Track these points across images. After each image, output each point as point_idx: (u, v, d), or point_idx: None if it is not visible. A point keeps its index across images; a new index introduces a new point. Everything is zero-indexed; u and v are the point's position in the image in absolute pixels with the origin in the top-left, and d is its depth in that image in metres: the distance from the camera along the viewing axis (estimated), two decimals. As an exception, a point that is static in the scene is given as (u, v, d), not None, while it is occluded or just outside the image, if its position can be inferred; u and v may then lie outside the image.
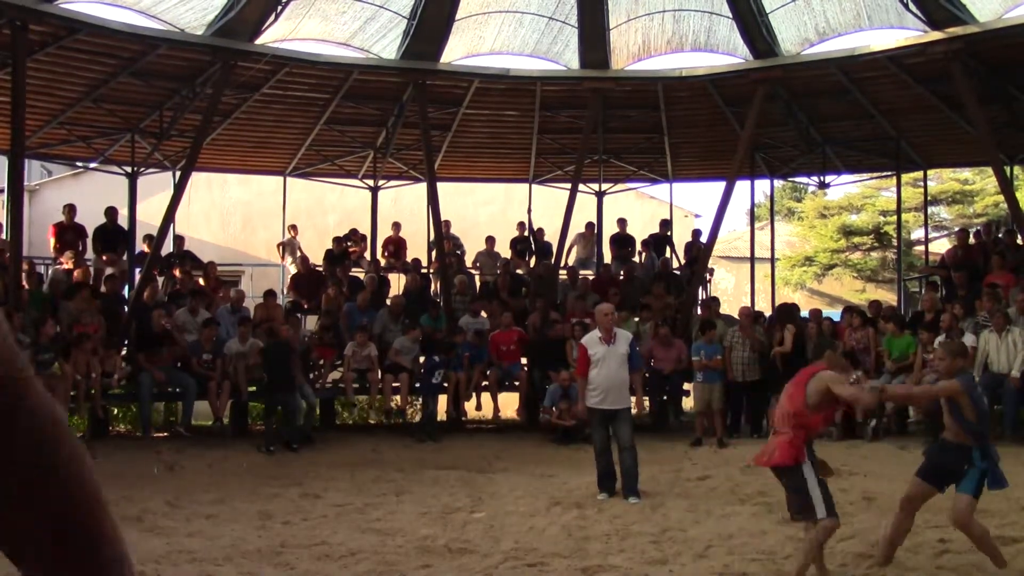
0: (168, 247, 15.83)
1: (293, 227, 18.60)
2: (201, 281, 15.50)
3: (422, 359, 14.41)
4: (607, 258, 18.50)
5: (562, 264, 16.80)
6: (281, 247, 18.56)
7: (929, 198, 23.81)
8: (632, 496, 8.97)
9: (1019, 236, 15.04)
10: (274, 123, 17.12)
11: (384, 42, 15.17)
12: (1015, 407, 11.62)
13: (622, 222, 18.47)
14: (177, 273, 15.48)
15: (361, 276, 16.67)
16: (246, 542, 7.38)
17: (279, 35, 14.50)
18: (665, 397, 14.42)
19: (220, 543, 7.35)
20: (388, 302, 15.52)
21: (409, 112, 16.52)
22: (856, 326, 13.50)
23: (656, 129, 17.90)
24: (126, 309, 14.34)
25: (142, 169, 16.56)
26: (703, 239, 17.18)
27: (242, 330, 13.58)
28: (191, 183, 15.64)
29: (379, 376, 14.00)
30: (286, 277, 17.90)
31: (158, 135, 15.65)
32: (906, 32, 14.03)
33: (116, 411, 14.95)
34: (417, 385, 14.13)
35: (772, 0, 14.43)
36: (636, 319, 14.91)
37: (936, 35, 13.42)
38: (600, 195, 19.18)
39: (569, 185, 16.41)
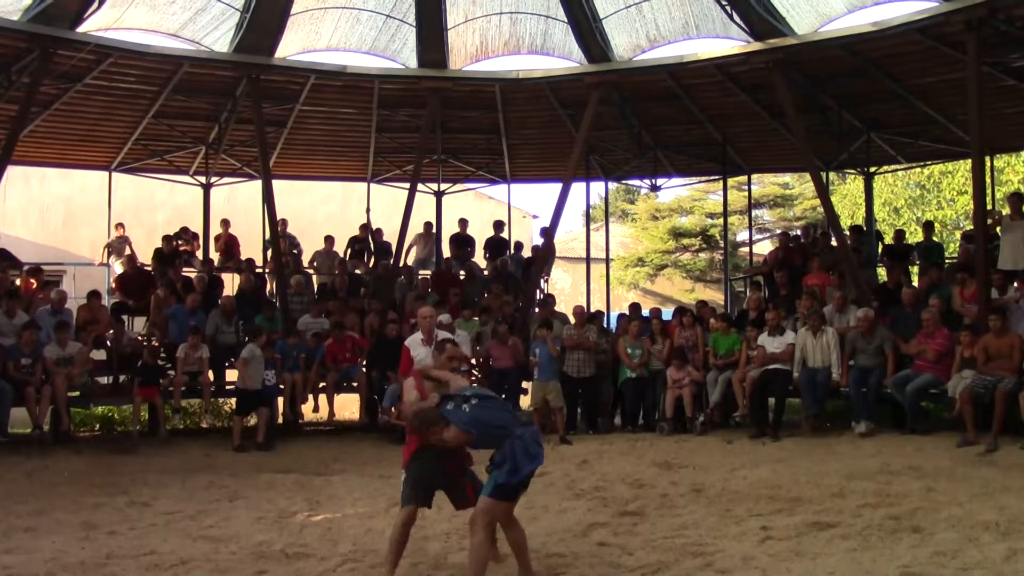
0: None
1: (120, 225, 17.81)
2: (18, 282, 14.62)
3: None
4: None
5: (401, 264, 16.71)
6: (107, 248, 17.73)
7: (753, 201, 24.92)
8: None
9: (834, 238, 15.94)
10: (98, 116, 16.34)
11: (216, 34, 14.75)
12: (822, 400, 12.43)
13: (463, 222, 18.55)
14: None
15: (192, 276, 16.11)
16: (68, 555, 7.03)
17: (103, 23, 13.88)
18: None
19: (40, 557, 6.97)
20: (220, 302, 15.05)
21: (243, 107, 16.17)
22: (687, 325, 14.01)
23: (494, 130, 18.09)
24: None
25: (-50, 162, 15.54)
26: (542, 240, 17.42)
27: (60, 336, 12.87)
28: (6, 177, 14.74)
29: (210, 379, 13.57)
30: (111, 277, 17.13)
31: (-31, 126, 14.72)
32: (731, 42, 14.67)
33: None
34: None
35: (606, 6, 14.84)
36: (476, 319, 14.98)
37: (758, 45, 14.13)
38: (439, 195, 19.26)
39: (408, 184, 16.38)
